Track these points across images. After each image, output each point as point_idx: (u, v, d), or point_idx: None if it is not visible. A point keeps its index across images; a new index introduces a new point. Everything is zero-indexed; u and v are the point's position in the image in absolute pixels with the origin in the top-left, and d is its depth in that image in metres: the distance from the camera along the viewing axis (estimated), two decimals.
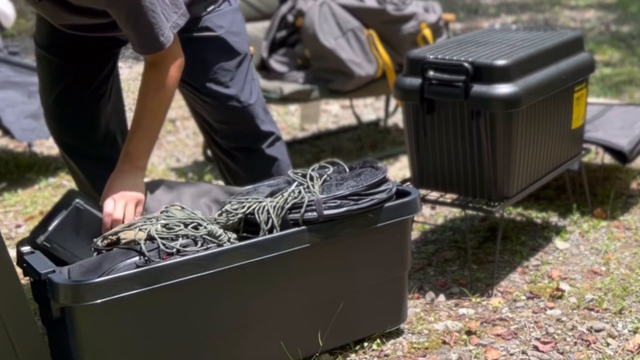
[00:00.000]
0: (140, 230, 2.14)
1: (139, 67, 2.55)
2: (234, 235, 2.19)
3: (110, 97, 2.58)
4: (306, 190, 2.25)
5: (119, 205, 2.18)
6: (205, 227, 2.16)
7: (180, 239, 2.13)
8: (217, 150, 2.65)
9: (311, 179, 2.31)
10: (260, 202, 2.21)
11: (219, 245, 2.13)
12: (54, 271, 1.96)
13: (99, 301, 1.90)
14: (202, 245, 2.12)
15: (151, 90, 2.27)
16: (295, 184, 2.29)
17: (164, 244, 2.08)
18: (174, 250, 2.09)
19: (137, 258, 2.06)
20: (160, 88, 2.27)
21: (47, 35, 2.48)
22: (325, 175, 2.34)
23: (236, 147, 2.61)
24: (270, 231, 2.16)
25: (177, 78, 2.31)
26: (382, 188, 2.27)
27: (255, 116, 2.58)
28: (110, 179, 2.24)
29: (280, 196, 2.21)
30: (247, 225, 2.22)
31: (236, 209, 2.22)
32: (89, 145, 2.56)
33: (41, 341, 1.96)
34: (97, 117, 2.55)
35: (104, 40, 2.48)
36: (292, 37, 3.92)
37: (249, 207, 2.21)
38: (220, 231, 2.17)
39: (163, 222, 2.16)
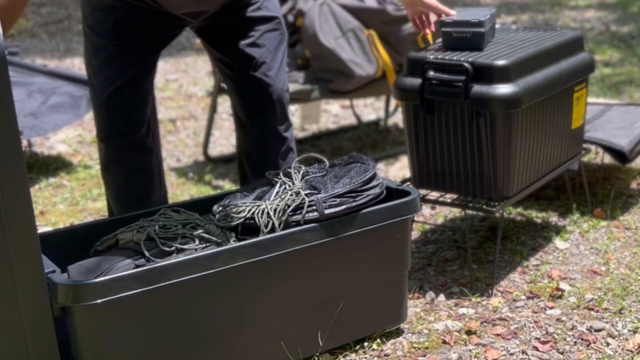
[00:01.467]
0: (138, 231, 2.14)
1: None
2: (232, 236, 2.20)
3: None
4: (289, 188, 2.26)
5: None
6: (203, 227, 2.17)
7: (179, 238, 2.13)
8: (246, 140, 2.68)
9: (289, 175, 2.35)
10: (258, 205, 2.21)
11: (218, 244, 2.13)
12: (53, 271, 1.96)
13: (99, 301, 1.90)
14: (200, 244, 2.12)
15: None
16: (279, 184, 2.31)
17: (163, 243, 2.09)
18: (174, 248, 2.09)
19: (137, 257, 2.06)
20: None
21: (113, 26, 2.46)
22: (303, 171, 2.37)
23: (269, 135, 2.64)
24: (271, 233, 2.17)
25: None
26: (374, 183, 2.29)
27: (286, 104, 2.64)
28: None
29: (279, 198, 2.21)
30: (245, 231, 2.22)
31: (235, 213, 2.23)
32: (135, 135, 2.56)
33: (53, 338, 1.95)
34: (145, 108, 2.58)
35: (179, 20, 2.50)
36: (292, 37, 3.92)
37: (249, 211, 2.21)
38: (219, 230, 2.18)
39: (161, 223, 2.17)
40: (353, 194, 2.22)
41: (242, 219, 2.21)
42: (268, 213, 2.18)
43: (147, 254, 2.05)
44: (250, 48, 2.58)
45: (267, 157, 2.66)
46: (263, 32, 2.59)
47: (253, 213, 2.20)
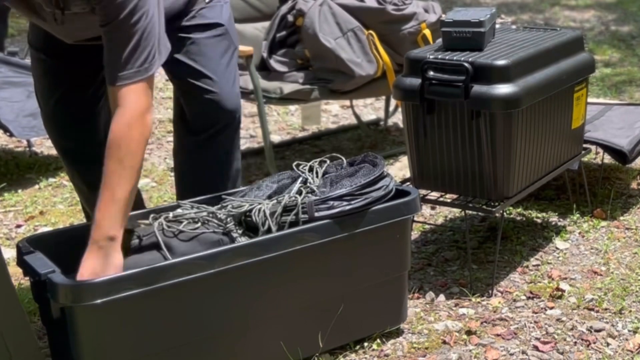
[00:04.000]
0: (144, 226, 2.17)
1: None
2: (239, 229, 2.21)
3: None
4: (306, 187, 2.27)
5: None
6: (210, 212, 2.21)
7: (186, 221, 2.18)
8: (188, 142, 2.55)
9: (311, 170, 2.35)
10: (259, 203, 2.22)
11: (225, 230, 2.15)
12: (53, 271, 1.96)
13: (98, 301, 1.90)
14: (205, 224, 2.17)
15: (114, 147, 2.02)
16: (300, 180, 2.31)
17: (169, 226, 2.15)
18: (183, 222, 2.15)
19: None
20: (121, 145, 2.02)
21: (44, 37, 2.39)
22: (325, 167, 2.37)
23: (211, 134, 2.50)
24: (268, 232, 2.17)
25: (139, 137, 2.03)
26: (378, 185, 2.27)
27: (236, 115, 2.54)
28: (83, 257, 2.01)
29: (275, 201, 2.22)
30: (248, 227, 2.23)
31: (237, 207, 2.23)
32: (90, 147, 2.47)
33: (37, 348, 1.95)
34: (97, 118, 2.50)
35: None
36: (292, 37, 3.91)
37: (249, 207, 2.22)
38: (225, 217, 2.19)
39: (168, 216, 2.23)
40: (349, 197, 2.22)
41: (242, 214, 2.22)
42: (265, 212, 2.19)
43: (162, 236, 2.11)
44: (185, 57, 2.44)
45: (205, 179, 2.53)
46: (199, 40, 2.46)
47: (252, 211, 2.20)
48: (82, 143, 2.50)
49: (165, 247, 2.11)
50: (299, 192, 2.25)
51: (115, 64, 2.03)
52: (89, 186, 2.51)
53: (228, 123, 2.51)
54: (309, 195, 2.24)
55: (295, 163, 2.42)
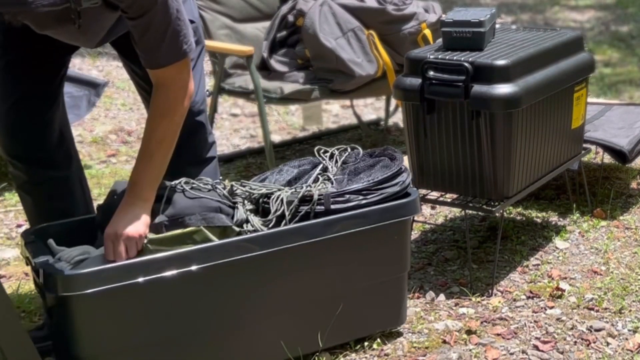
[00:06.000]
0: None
1: None
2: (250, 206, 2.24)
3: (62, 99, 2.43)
4: (324, 175, 2.32)
5: (116, 250, 2.07)
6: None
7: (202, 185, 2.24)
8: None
9: (332, 157, 2.40)
10: (278, 189, 2.25)
11: (232, 204, 2.21)
12: (47, 261, 1.97)
13: (89, 291, 1.91)
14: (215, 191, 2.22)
15: (157, 117, 2.15)
16: (320, 167, 2.35)
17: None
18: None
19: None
20: (166, 115, 2.15)
21: (3, 32, 2.28)
22: (345, 157, 2.41)
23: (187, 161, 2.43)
24: (280, 219, 2.19)
25: (186, 107, 2.18)
26: (395, 181, 2.30)
27: (203, 118, 2.48)
28: (116, 213, 2.12)
29: (294, 189, 2.24)
30: (263, 210, 2.26)
31: (255, 189, 2.27)
32: (44, 152, 2.38)
33: (32, 349, 1.96)
34: (52, 123, 2.40)
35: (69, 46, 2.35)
36: (292, 37, 3.92)
37: (267, 191, 2.25)
38: (241, 193, 2.25)
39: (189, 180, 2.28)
40: (365, 192, 2.24)
41: (259, 196, 2.25)
42: (282, 200, 2.21)
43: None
44: None
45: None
46: None
47: (269, 195, 2.24)
48: (37, 149, 2.38)
49: (167, 199, 2.15)
50: (316, 180, 2.27)
51: (156, 49, 2.10)
52: (36, 195, 2.42)
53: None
54: (326, 183, 2.27)
55: (316, 148, 2.46)
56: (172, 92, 2.14)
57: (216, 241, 2.12)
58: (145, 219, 2.11)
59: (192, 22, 2.38)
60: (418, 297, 2.67)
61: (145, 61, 2.14)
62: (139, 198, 2.12)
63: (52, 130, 2.39)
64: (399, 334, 2.44)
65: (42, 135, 2.37)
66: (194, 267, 2.02)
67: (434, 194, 2.84)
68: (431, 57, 2.66)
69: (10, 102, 2.32)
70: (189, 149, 2.43)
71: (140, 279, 1.96)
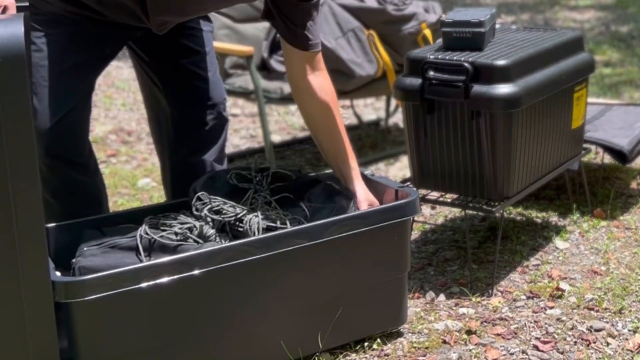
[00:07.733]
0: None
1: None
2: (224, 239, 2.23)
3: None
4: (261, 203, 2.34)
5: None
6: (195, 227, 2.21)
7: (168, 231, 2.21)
8: (176, 160, 2.54)
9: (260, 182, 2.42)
10: (250, 212, 2.25)
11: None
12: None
13: (89, 298, 1.91)
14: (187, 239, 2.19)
15: (332, 100, 2.41)
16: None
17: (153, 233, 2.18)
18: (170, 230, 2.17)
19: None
20: (334, 93, 2.42)
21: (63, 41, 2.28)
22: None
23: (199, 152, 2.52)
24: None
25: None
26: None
27: (226, 115, 2.59)
28: (358, 188, 2.39)
29: (264, 216, 2.25)
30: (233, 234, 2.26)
31: (227, 213, 2.26)
32: (82, 157, 2.39)
33: (54, 336, 1.96)
34: (88, 128, 2.43)
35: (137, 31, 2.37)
36: None
37: (241, 212, 2.25)
38: (212, 231, 2.20)
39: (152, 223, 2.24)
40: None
41: (233, 219, 2.25)
42: (258, 223, 2.22)
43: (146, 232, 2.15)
44: (189, 50, 2.45)
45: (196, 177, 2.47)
46: (200, 31, 2.47)
47: (243, 218, 2.24)
48: (83, 150, 2.38)
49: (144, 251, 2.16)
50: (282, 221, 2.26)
51: (309, 34, 2.32)
52: (73, 198, 2.41)
53: None
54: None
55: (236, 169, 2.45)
56: (328, 77, 2.43)
57: (217, 245, 2.12)
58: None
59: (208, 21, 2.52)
60: (418, 297, 2.67)
61: (312, 45, 2.34)
62: (359, 178, 2.42)
63: (86, 139, 2.40)
64: (399, 334, 2.44)
65: (84, 140, 2.38)
66: (194, 272, 2.02)
67: (434, 194, 2.84)
68: (431, 57, 2.66)
69: (62, 114, 2.27)
70: (217, 148, 2.54)
71: (141, 285, 1.96)
